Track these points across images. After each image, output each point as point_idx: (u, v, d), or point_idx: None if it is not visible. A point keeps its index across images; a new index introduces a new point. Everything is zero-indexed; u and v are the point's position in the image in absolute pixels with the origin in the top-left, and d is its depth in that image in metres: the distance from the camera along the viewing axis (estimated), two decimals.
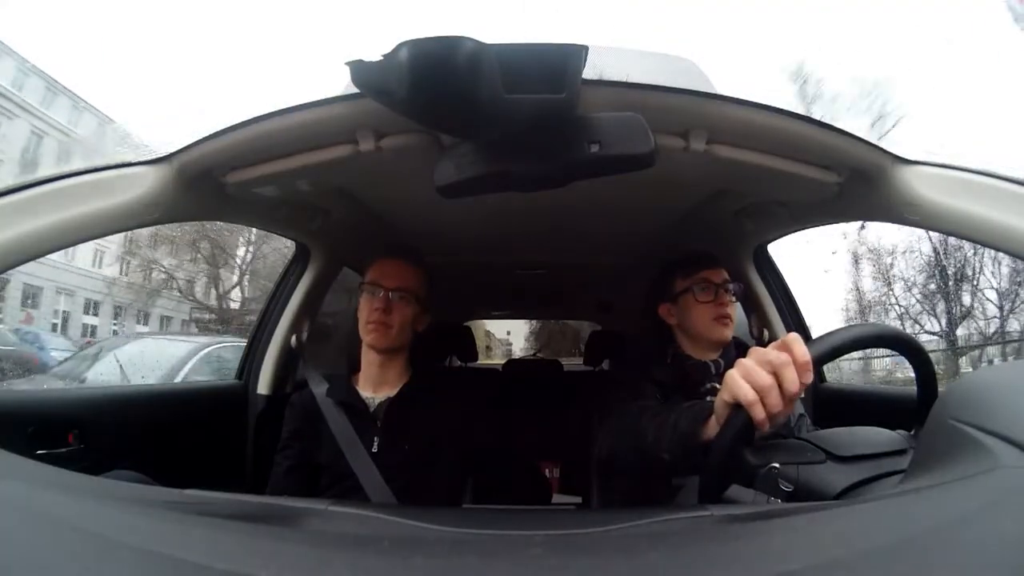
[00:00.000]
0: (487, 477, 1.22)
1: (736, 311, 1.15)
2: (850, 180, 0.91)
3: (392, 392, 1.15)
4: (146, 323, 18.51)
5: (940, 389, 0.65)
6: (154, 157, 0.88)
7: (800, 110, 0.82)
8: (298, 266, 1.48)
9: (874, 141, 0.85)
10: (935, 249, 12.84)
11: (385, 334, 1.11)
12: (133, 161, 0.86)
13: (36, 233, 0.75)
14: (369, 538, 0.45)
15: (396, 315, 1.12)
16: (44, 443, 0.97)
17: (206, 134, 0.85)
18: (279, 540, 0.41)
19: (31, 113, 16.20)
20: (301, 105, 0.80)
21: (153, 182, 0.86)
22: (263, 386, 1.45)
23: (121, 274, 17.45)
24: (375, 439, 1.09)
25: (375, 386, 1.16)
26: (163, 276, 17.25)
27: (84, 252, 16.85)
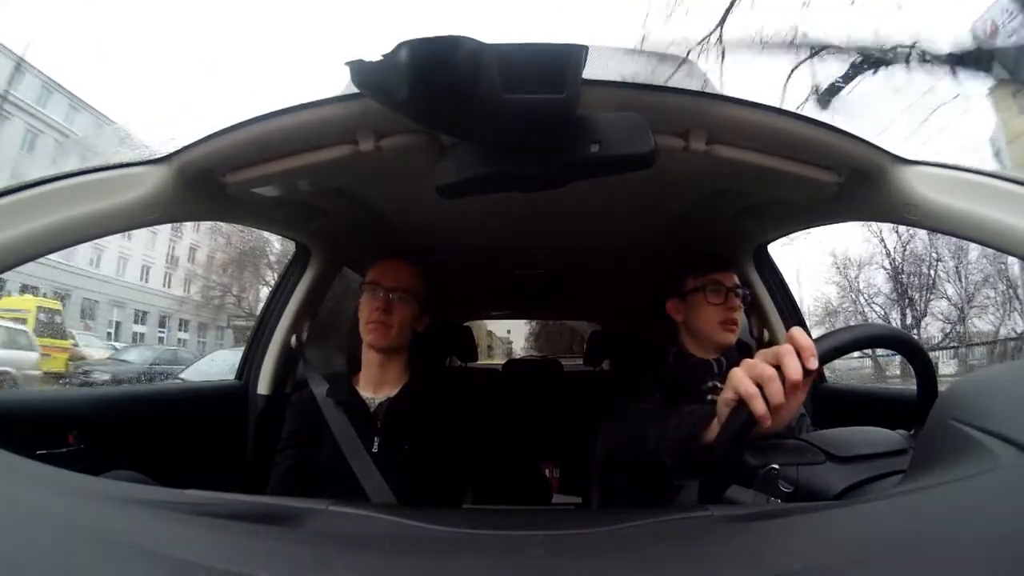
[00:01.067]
0: (487, 477, 1.22)
1: (741, 315, 1.15)
2: (850, 180, 0.91)
3: (392, 392, 1.15)
4: (186, 330, 20.98)
5: (940, 389, 0.65)
6: (154, 157, 0.88)
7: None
8: (298, 266, 1.48)
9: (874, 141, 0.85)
10: (894, 265, 14.40)
11: (385, 334, 1.12)
12: (133, 161, 0.87)
13: (36, 233, 0.75)
14: (369, 538, 0.45)
15: (396, 315, 1.12)
16: (44, 443, 0.97)
17: (206, 134, 0.85)
18: (279, 540, 0.41)
19: (27, 112, 16.45)
20: (301, 105, 0.80)
21: (153, 182, 0.86)
22: (263, 386, 1.45)
23: (165, 286, 20.08)
24: (375, 439, 1.09)
25: (375, 386, 1.16)
26: (217, 292, 19.42)
27: (133, 267, 19.75)
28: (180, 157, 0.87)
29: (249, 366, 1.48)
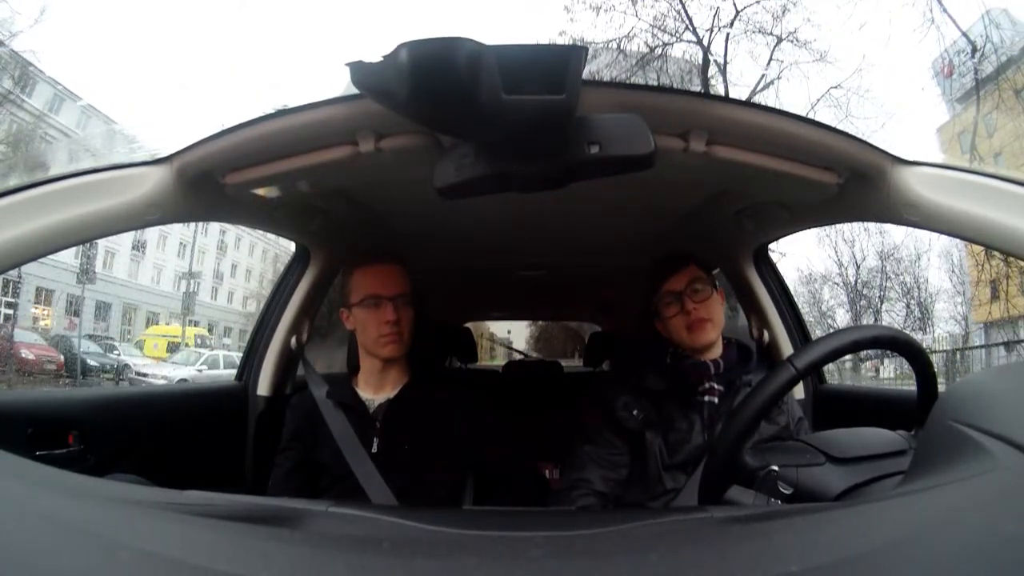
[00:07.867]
0: (487, 478, 1.22)
1: (716, 308, 1.11)
2: (850, 181, 0.91)
3: (392, 393, 1.15)
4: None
5: (940, 390, 0.65)
6: (154, 157, 0.88)
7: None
8: (298, 267, 1.48)
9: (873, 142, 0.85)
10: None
11: (400, 344, 1.12)
12: (133, 161, 0.87)
13: (37, 233, 0.75)
14: (369, 539, 0.45)
15: (404, 321, 1.12)
16: (44, 444, 0.97)
17: (206, 135, 0.85)
18: (279, 541, 0.41)
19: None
20: (301, 106, 0.81)
21: (153, 182, 0.86)
22: (263, 388, 1.45)
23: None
24: (375, 439, 1.09)
25: (375, 388, 1.16)
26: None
27: (146, 270, 22.67)
28: (180, 158, 0.87)
29: (249, 367, 1.48)
